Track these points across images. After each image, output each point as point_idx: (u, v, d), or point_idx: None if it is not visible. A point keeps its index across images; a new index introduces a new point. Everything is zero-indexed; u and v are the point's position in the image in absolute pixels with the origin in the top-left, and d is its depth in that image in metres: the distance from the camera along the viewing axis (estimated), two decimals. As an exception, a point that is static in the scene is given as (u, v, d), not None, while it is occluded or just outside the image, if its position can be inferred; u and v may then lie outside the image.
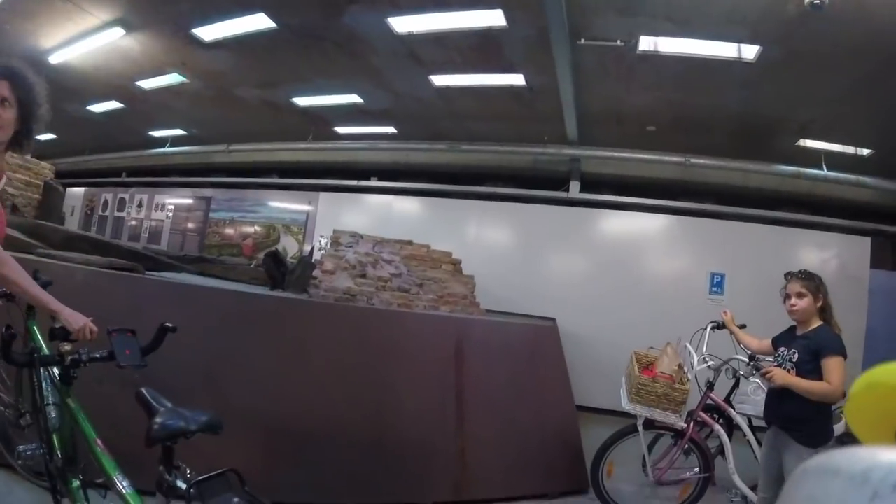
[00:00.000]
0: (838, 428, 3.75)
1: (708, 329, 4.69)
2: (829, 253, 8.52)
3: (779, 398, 3.26)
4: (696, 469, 4.34)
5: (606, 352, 8.07)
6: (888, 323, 7.82)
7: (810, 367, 3.14)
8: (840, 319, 3.44)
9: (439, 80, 7.55)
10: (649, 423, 4.31)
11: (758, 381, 3.81)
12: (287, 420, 3.91)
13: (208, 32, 6.98)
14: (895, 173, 8.45)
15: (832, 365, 3.06)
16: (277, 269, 6.93)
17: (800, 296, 3.30)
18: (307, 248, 9.82)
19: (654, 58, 6.30)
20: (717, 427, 4.47)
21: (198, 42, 7.18)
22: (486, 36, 6.27)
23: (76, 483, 2.26)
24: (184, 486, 1.79)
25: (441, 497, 4.21)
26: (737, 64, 6.21)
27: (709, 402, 4.48)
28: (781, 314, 3.65)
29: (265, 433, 3.78)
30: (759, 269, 8.11)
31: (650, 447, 4.59)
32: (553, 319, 7.60)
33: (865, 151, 8.25)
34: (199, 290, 5.00)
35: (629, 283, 8.72)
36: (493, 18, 5.89)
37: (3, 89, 1.88)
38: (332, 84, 8.32)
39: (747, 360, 3.94)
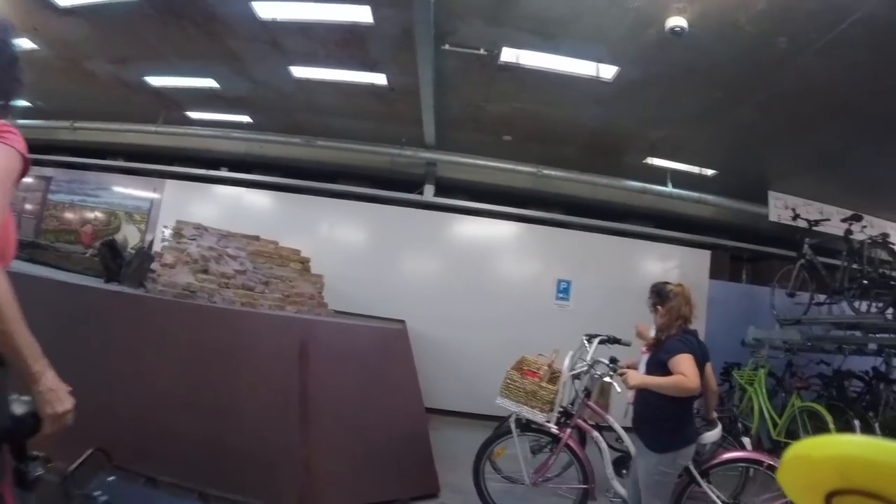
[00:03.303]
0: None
1: (590, 342, 4.68)
2: (671, 264, 9.18)
3: (638, 401, 3.38)
4: (576, 479, 4.38)
5: (456, 355, 8.24)
6: (724, 328, 8.46)
7: (659, 373, 3.26)
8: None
9: (300, 71, 7.31)
10: (526, 426, 4.35)
11: (615, 383, 3.91)
12: (118, 424, 3.63)
13: (66, -3, 6.35)
14: (735, 193, 9.24)
15: (679, 360, 3.18)
16: (114, 261, 6.43)
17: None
18: (150, 238, 9.17)
19: (516, 69, 6.41)
20: (596, 433, 4.49)
21: (52, 6, 6.51)
22: (352, 31, 6.13)
23: None
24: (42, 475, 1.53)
25: (285, 506, 4.04)
26: (595, 82, 6.44)
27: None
28: (624, 321, 3.82)
29: (96, 438, 3.41)
30: (604, 278, 8.58)
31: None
32: (403, 321, 7.59)
33: (709, 172, 8.91)
34: (24, 278, 4.45)
35: (480, 288, 8.91)
36: (361, 14, 5.76)
37: None
38: (188, 65, 7.84)
39: (608, 361, 4.04)
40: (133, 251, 7.56)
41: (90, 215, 10.98)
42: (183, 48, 7.22)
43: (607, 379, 3.64)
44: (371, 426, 4.72)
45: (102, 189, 10.91)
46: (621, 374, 3.39)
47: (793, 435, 6.61)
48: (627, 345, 4.55)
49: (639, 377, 3.29)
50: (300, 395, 4.41)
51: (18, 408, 1.56)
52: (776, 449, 6.56)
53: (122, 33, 7.06)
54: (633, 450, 4.06)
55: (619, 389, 3.43)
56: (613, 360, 3.92)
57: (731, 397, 7.70)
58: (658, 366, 3.30)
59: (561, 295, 8.93)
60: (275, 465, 4.12)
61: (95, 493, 1.63)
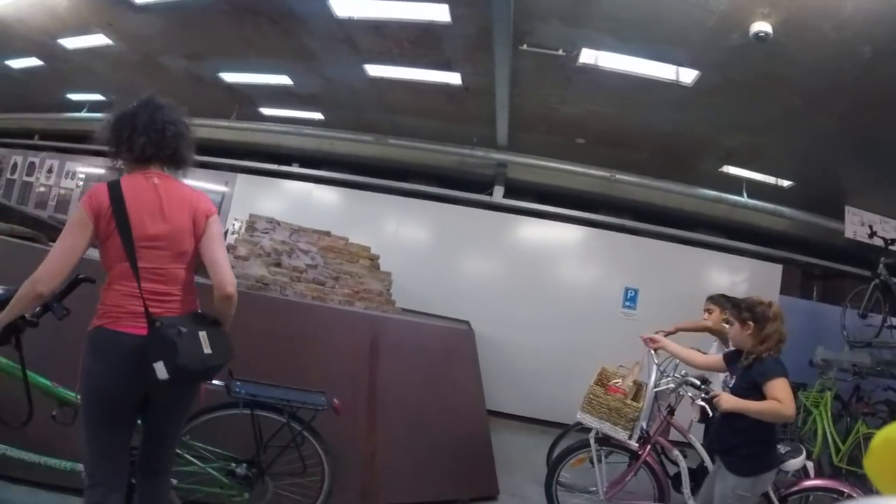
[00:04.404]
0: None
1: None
2: (740, 277, 8.92)
3: (721, 422, 3.27)
4: (652, 495, 4.27)
5: (519, 358, 8.16)
6: (792, 347, 8.04)
7: (747, 395, 3.15)
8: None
9: (374, 69, 7.34)
10: (605, 441, 4.25)
11: (701, 404, 3.76)
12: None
13: (140, -7, 6.52)
14: (810, 206, 8.90)
15: (776, 385, 3.06)
16: None
17: (709, 312, 3.37)
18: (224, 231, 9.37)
19: (593, 71, 6.33)
20: (676, 452, 4.37)
21: (127, 2, 6.70)
22: (427, 30, 6.13)
23: None
24: None
25: (348, 502, 4.03)
26: (673, 86, 6.31)
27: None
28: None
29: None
30: (673, 287, 8.34)
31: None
32: (467, 322, 7.52)
33: (786, 183, 8.66)
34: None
35: (545, 291, 8.79)
36: (438, 13, 5.75)
37: None
38: (262, 62, 7.98)
39: (699, 382, 3.91)
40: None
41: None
42: (258, 45, 7.35)
43: (699, 402, 3.49)
44: (435, 425, 4.68)
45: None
46: (714, 398, 3.24)
47: (855, 462, 6.40)
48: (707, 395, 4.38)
49: (733, 401, 3.14)
50: (369, 390, 4.42)
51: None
52: (837, 475, 6.34)
53: (197, 29, 7.23)
54: (711, 466, 3.95)
55: (710, 414, 3.28)
56: (704, 381, 3.77)
57: (796, 419, 7.41)
58: (749, 386, 3.18)
59: (628, 303, 8.76)
60: (341, 457, 4.13)
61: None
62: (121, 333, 2.35)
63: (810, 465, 4.39)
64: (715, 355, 3.74)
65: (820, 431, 6.83)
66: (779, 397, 3.03)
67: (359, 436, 4.25)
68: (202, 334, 2.41)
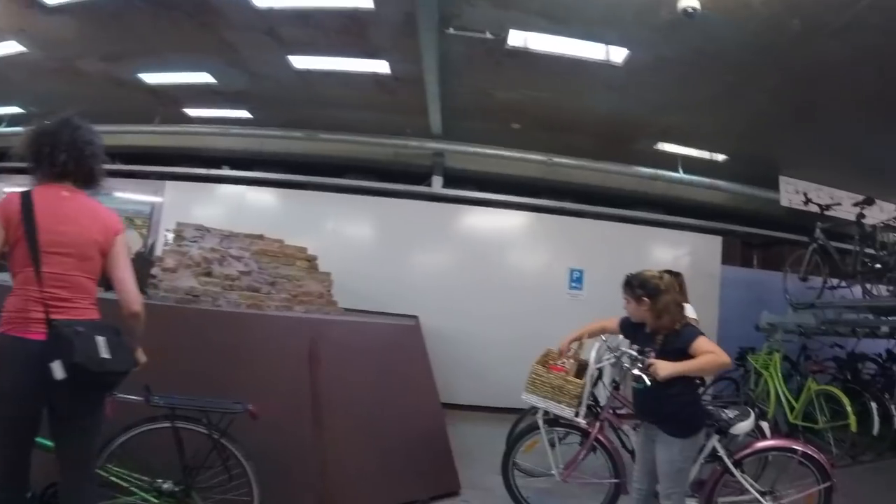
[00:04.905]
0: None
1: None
2: (682, 250, 9.19)
3: (650, 393, 3.26)
4: (608, 473, 4.26)
5: (471, 348, 8.17)
6: (738, 314, 8.59)
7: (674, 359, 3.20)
8: (696, 310, 3.86)
9: (300, 61, 7.09)
10: (553, 421, 4.25)
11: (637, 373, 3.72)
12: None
13: (52, -6, 6.17)
14: (746, 178, 9.18)
15: (700, 343, 3.16)
16: None
17: (626, 300, 3.44)
18: (152, 242, 8.98)
19: (524, 54, 6.24)
20: (627, 426, 4.41)
21: (39, 5, 6.29)
22: (352, 17, 5.94)
23: None
24: None
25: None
26: (605, 66, 6.30)
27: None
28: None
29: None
30: (617, 266, 8.29)
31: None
32: (415, 317, 7.42)
33: (721, 157, 8.86)
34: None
35: (492, 279, 8.76)
36: (361, -1, 5.56)
37: None
38: (182, 60, 7.63)
39: (636, 353, 3.86)
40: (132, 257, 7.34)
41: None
42: (176, 42, 7.03)
43: (636, 371, 3.44)
44: (388, 426, 4.56)
45: (102, 195, 10.56)
46: (649, 366, 3.19)
47: (810, 418, 6.74)
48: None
49: (670, 366, 3.13)
50: (312, 398, 4.23)
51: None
52: (793, 432, 6.65)
53: (113, 29, 6.84)
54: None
55: (648, 383, 3.24)
56: (641, 352, 3.71)
57: (747, 382, 7.74)
58: (676, 358, 3.19)
59: (574, 284, 8.85)
60: (291, 471, 3.93)
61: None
62: (21, 339, 2.39)
63: (766, 425, 4.48)
64: (611, 319, 3.82)
65: (772, 392, 7.12)
66: (709, 350, 3.14)
67: (306, 446, 4.07)
68: (100, 339, 2.43)
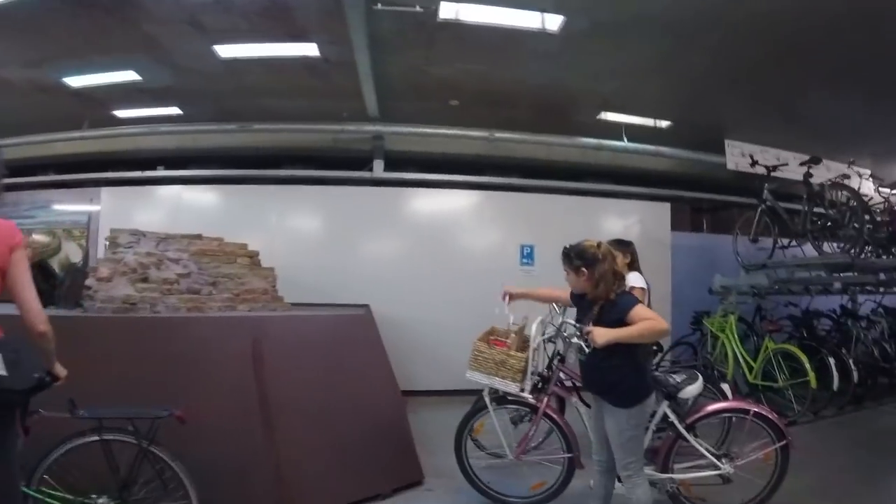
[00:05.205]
0: None
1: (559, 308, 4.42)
2: (632, 219, 9.22)
3: (592, 364, 3.28)
4: (560, 449, 4.19)
5: (426, 332, 8.13)
6: (690, 279, 8.76)
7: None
8: (649, 278, 3.99)
9: (225, 50, 6.81)
10: (502, 399, 4.19)
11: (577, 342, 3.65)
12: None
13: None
14: (692, 144, 9.25)
15: (637, 310, 3.14)
16: (46, 282, 6.10)
17: (566, 272, 3.40)
18: (92, 252, 8.61)
19: (456, 26, 6.09)
20: (575, 398, 4.34)
21: (-50, 14, 5.97)
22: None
23: None
24: None
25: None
26: (541, 35, 6.19)
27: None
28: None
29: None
30: (567, 239, 8.28)
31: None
32: (366, 306, 7.35)
33: (664, 123, 8.87)
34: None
35: (443, 261, 8.70)
36: (280, -22, 5.34)
37: None
38: (105, 59, 7.27)
39: (574, 322, 3.80)
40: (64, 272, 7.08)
41: (28, 238, 10.28)
42: (97, 40, 6.69)
43: (575, 340, 3.39)
44: (343, 420, 4.42)
45: (37, 208, 10.16)
46: (587, 334, 3.14)
47: (769, 377, 6.84)
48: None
49: (608, 332, 3.09)
50: (260, 399, 4.07)
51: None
52: (754, 392, 6.80)
53: (32, 32, 6.50)
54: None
55: (586, 350, 3.20)
56: (580, 321, 3.66)
57: (704, 345, 7.81)
58: (614, 325, 3.15)
59: (525, 260, 8.84)
60: (245, 477, 3.78)
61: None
62: None
63: (727, 386, 4.65)
64: (564, 291, 3.74)
65: (730, 354, 7.22)
66: (646, 316, 3.11)
67: (258, 450, 3.92)
68: None
